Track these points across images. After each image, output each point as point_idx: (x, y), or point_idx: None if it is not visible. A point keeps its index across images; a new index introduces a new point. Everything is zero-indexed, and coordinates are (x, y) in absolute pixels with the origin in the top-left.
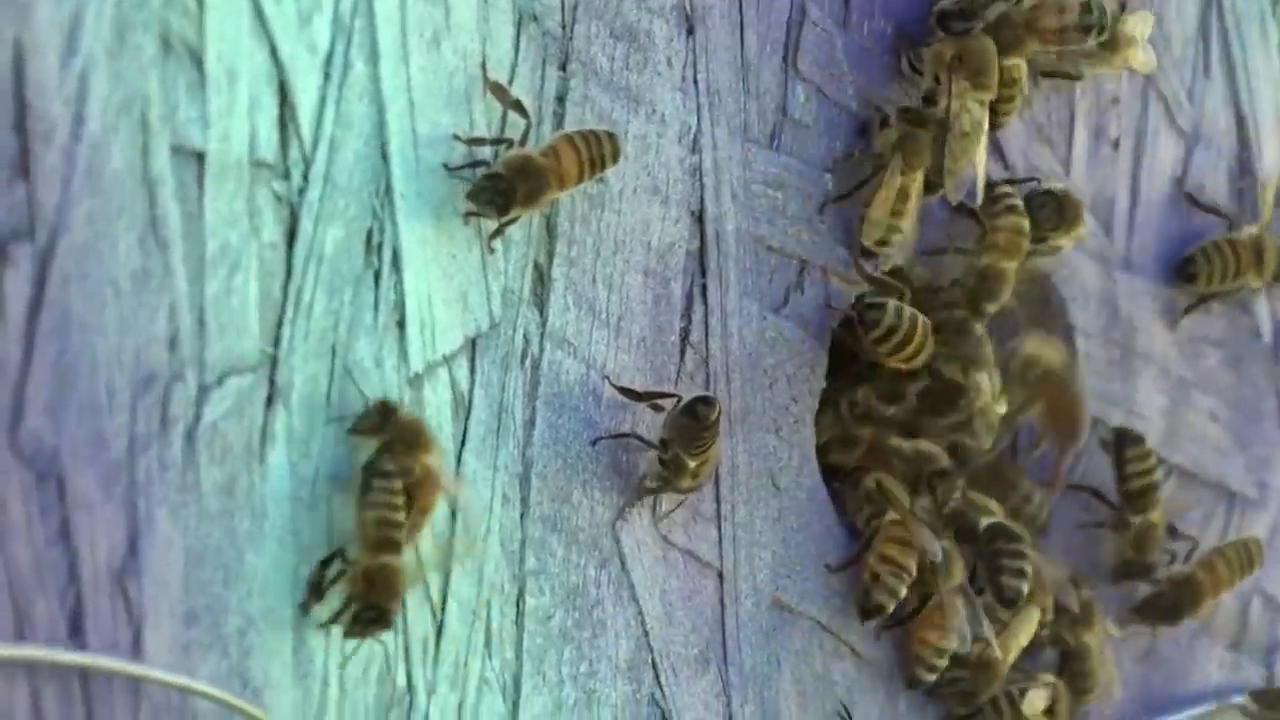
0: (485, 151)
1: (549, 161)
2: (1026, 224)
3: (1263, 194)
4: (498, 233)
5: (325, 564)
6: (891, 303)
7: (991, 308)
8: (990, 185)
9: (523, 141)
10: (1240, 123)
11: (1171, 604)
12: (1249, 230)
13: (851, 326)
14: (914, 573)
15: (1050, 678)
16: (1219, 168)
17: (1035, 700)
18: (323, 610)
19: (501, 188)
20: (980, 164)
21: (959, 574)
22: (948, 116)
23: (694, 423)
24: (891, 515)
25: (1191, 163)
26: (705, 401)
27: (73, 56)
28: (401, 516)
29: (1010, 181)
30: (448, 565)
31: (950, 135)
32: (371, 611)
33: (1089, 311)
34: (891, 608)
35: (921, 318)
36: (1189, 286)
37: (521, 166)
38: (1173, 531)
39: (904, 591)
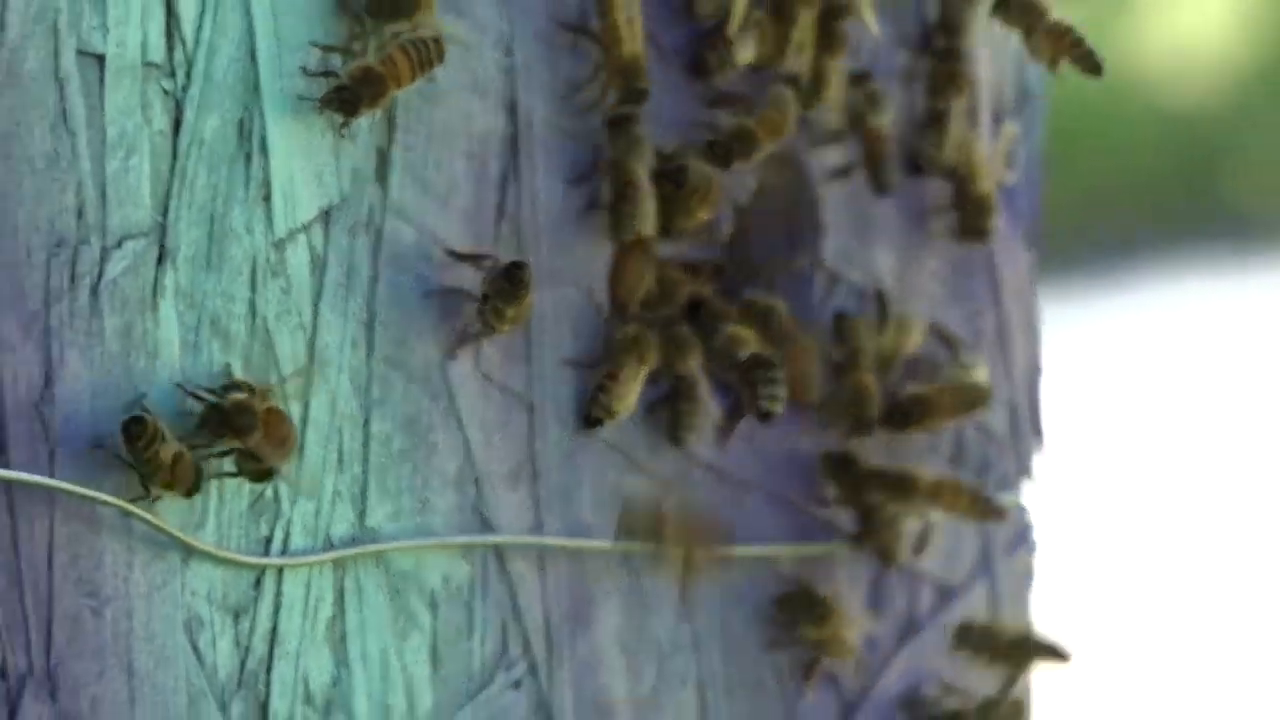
0: (336, 59)
1: (387, 69)
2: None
3: None
4: (346, 124)
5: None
6: (692, 163)
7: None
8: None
9: (363, 51)
10: None
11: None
12: None
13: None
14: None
15: None
16: None
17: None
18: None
19: (348, 97)
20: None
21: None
22: None
23: (509, 282)
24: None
25: None
26: (518, 265)
27: None
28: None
29: None
30: (307, 397)
31: None
32: (267, 474)
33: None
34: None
35: (714, 175)
36: None
37: (364, 76)
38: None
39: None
